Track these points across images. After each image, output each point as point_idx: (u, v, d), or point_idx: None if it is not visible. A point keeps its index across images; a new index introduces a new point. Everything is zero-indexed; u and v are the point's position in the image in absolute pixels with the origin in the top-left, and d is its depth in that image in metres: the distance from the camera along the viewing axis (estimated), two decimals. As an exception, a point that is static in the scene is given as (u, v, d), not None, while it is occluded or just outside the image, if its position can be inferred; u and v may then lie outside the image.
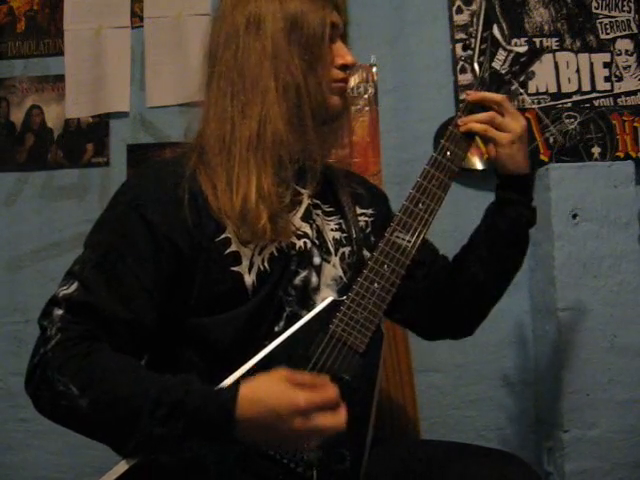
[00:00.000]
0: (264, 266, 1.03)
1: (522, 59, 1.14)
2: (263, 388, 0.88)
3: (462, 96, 1.88)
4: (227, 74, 1.08)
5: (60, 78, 2.03)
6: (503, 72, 1.14)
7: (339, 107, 1.12)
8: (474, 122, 1.10)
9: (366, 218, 1.19)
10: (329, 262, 1.10)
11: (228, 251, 1.02)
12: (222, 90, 1.08)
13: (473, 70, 1.15)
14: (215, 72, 1.09)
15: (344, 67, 1.11)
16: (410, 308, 1.22)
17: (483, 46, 1.14)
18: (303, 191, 1.11)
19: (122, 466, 0.90)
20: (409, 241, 1.05)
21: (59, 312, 0.97)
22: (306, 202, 1.11)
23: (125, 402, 0.89)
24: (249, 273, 1.02)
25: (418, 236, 1.05)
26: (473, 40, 1.16)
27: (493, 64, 1.13)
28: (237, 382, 0.91)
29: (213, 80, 1.10)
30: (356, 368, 1.01)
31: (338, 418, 0.89)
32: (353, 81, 1.93)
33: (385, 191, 1.36)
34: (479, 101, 1.11)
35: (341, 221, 1.15)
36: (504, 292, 1.22)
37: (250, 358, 0.97)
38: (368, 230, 1.18)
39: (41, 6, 2.05)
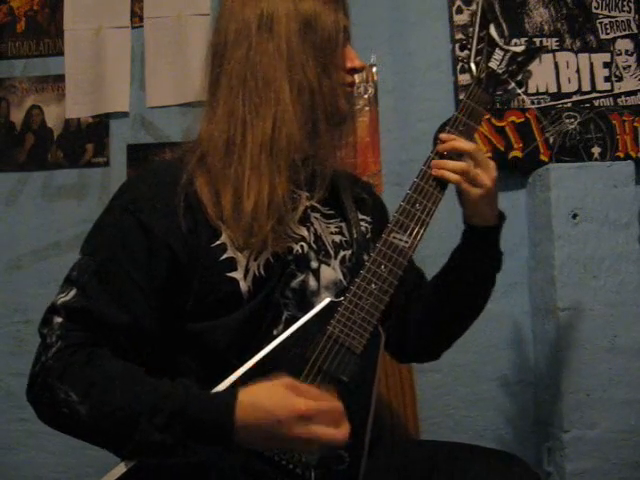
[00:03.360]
0: (260, 272, 1.01)
1: (519, 59, 1.13)
2: (263, 394, 0.88)
3: (461, 96, 1.88)
4: (238, 73, 1.04)
5: (60, 78, 2.03)
6: (500, 72, 1.13)
7: (346, 110, 1.10)
8: (448, 170, 1.06)
9: (366, 224, 1.18)
10: (329, 265, 1.09)
11: (224, 257, 1.01)
12: (233, 90, 1.04)
13: (470, 70, 1.13)
14: (223, 71, 1.06)
15: (353, 71, 1.10)
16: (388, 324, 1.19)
17: (480, 46, 1.14)
18: (301, 193, 1.10)
19: (121, 467, 0.90)
20: (406, 242, 1.05)
21: (58, 320, 0.96)
22: (303, 205, 1.10)
23: (123, 409, 0.88)
24: (245, 279, 1.01)
25: (415, 237, 1.05)
26: (470, 40, 1.16)
27: (490, 64, 1.13)
28: (235, 387, 0.90)
29: (221, 79, 1.06)
30: (354, 369, 1.00)
31: (340, 432, 0.88)
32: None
33: (385, 191, 1.36)
34: (450, 151, 1.07)
35: (342, 224, 1.14)
36: (472, 322, 1.20)
37: (248, 362, 0.96)
38: (368, 236, 1.17)
39: (41, 6, 2.05)
